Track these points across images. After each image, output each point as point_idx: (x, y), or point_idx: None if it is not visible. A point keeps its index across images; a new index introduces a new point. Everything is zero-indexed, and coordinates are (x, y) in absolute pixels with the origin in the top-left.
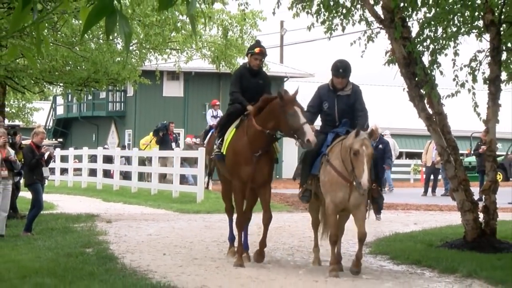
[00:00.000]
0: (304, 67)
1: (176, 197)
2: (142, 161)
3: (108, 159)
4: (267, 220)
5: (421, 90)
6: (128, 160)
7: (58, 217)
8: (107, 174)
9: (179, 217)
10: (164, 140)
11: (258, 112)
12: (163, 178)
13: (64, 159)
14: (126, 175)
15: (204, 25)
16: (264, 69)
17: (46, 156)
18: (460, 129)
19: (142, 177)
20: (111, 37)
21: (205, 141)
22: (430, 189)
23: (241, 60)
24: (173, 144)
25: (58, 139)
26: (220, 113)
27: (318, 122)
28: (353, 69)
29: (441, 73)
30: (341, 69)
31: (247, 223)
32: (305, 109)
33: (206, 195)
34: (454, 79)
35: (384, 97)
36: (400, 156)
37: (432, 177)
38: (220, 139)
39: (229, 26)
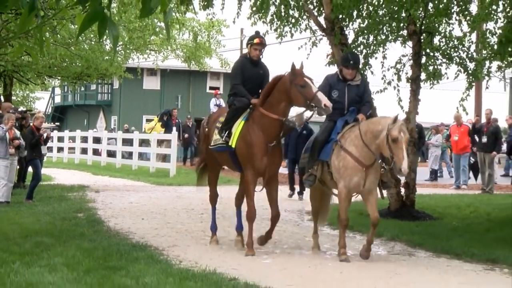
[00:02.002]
0: None
1: (153, 172)
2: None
3: (97, 140)
4: (274, 218)
5: None
6: (115, 140)
7: (55, 188)
8: (96, 152)
9: (155, 188)
10: (168, 124)
11: (264, 100)
12: (162, 159)
13: (60, 139)
14: (112, 153)
15: (178, 31)
16: (227, 68)
17: (44, 136)
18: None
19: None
20: (101, 39)
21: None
22: None
23: (208, 60)
24: (174, 128)
25: (56, 123)
26: (222, 102)
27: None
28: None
29: (372, 73)
30: (352, 60)
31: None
32: None
33: (178, 170)
34: (382, 78)
35: None
36: None
37: None
38: (227, 132)
39: (198, 31)
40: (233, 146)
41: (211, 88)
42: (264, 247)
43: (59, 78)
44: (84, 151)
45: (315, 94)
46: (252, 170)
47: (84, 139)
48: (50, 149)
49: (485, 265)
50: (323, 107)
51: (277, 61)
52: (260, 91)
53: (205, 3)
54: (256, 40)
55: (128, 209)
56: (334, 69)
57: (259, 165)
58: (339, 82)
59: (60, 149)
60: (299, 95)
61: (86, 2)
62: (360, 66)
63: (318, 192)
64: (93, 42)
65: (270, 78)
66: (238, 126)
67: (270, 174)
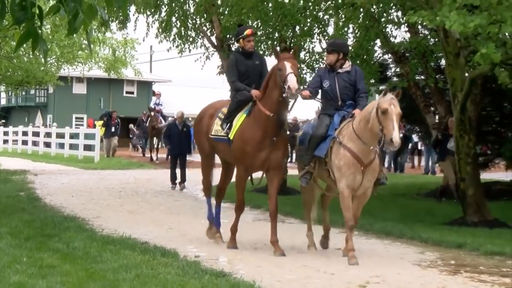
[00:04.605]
0: (165, 75)
1: (81, 159)
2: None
3: (35, 134)
4: (273, 208)
5: None
6: (50, 134)
7: (1, 172)
8: (35, 143)
9: (83, 172)
10: (108, 124)
11: (265, 92)
12: (111, 154)
13: (6, 133)
14: (48, 144)
15: (100, 47)
16: (145, 75)
17: None
18: None
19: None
20: (37, 53)
21: (147, 124)
22: None
23: (125, 71)
24: (113, 128)
25: (2, 121)
26: (161, 101)
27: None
28: (198, 77)
29: None
30: (328, 44)
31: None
32: (307, 86)
33: (101, 158)
34: None
35: (216, 95)
36: None
37: None
38: (228, 124)
39: (116, 47)
40: (231, 138)
41: (127, 92)
42: (167, 217)
43: (4, 84)
44: (25, 142)
45: (287, 76)
46: (244, 166)
47: (25, 133)
48: None
49: (341, 229)
50: (286, 89)
51: (178, 71)
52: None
53: (121, 25)
54: (247, 32)
55: (61, 189)
56: (224, 77)
57: (252, 162)
58: (329, 72)
59: (5, 141)
60: (278, 78)
61: (22, 23)
62: (343, 52)
63: (311, 189)
64: (31, 56)
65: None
66: (239, 120)
67: (272, 167)
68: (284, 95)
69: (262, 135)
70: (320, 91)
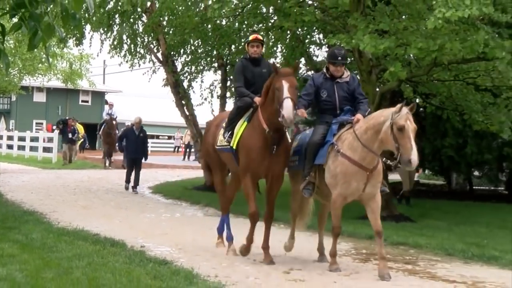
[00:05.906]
0: (117, 86)
1: (40, 160)
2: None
3: None
4: (267, 216)
5: (183, 101)
6: (12, 137)
7: None
8: None
9: (41, 171)
10: (63, 131)
11: (265, 99)
12: (71, 159)
13: None
14: (11, 146)
15: (58, 61)
16: (99, 86)
17: None
18: (203, 123)
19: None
20: (0, 65)
21: (100, 132)
22: (187, 157)
23: (80, 82)
24: (70, 134)
25: None
26: (114, 111)
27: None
28: (146, 89)
29: (194, 92)
30: (340, 56)
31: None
32: (300, 97)
33: (58, 159)
34: (200, 96)
35: (161, 104)
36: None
37: (187, 149)
38: (230, 132)
39: (73, 61)
40: (234, 147)
41: (82, 101)
42: (117, 212)
43: None
44: None
45: (283, 100)
46: (250, 174)
47: None
48: None
49: (285, 224)
50: (281, 116)
51: (129, 83)
52: None
53: (77, 42)
54: (251, 37)
55: (21, 186)
56: (168, 89)
57: (257, 169)
58: (327, 81)
59: None
60: (275, 98)
61: None
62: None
63: (299, 196)
64: None
65: None
66: (240, 127)
67: (273, 175)
68: (279, 119)
69: (263, 143)
70: (315, 101)
